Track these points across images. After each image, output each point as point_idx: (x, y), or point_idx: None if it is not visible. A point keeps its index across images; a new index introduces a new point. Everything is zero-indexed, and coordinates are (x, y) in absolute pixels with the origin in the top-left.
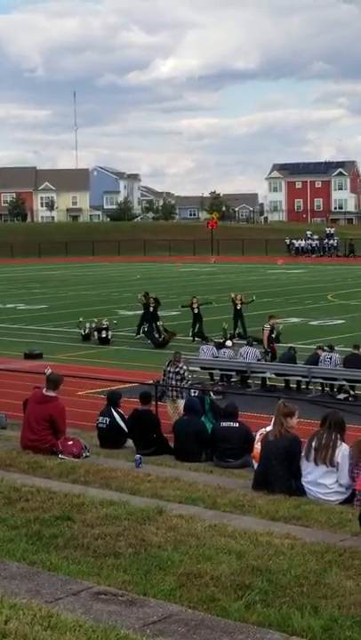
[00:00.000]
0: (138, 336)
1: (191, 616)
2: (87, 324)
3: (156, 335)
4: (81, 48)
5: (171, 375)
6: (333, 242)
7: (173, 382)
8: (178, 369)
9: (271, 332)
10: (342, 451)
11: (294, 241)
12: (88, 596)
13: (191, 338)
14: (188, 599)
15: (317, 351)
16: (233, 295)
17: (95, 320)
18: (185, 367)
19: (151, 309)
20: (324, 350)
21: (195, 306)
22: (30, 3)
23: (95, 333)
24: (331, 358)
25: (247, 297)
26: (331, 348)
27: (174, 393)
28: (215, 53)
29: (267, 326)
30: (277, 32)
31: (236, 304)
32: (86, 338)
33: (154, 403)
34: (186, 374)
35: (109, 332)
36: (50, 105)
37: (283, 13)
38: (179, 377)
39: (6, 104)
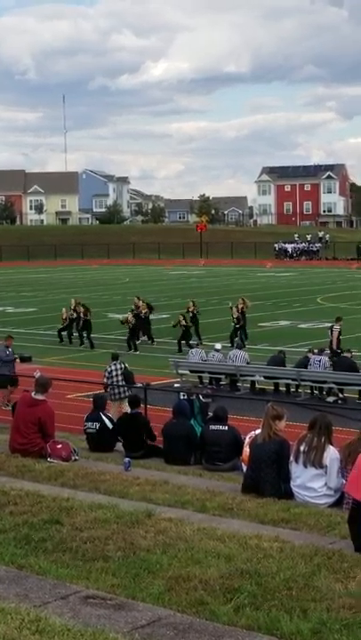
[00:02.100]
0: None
1: (180, 620)
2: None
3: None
4: (72, 51)
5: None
6: (318, 245)
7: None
8: (107, 367)
9: (340, 333)
10: (330, 454)
11: (286, 244)
12: (77, 599)
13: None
14: (176, 603)
15: (308, 354)
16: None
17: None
18: (110, 367)
19: (143, 316)
20: (314, 353)
21: (191, 309)
22: (22, 5)
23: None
24: (320, 361)
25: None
26: (321, 352)
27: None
28: (206, 57)
29: (336, 327)
30: (268, 36)
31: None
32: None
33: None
34: (106, 373)
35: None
36: (41, 108)
37: (273, 17)
38: (106, 374)
39: None
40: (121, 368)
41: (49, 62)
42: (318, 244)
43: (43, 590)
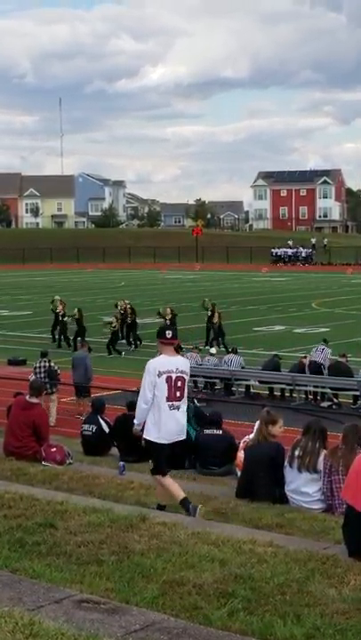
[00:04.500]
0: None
1: (174, 624)
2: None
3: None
4: (70, 55)
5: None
6: (308, 250)
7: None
8: (35, 363)
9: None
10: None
11: (283, 250)
12: (70, 603)
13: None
14: (170, 607)
15: (302, 360)
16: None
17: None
18: (37, 364)
19: (129, 320)
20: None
21: (168, 315)
22: (19, 9)
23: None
24: (323, 350)
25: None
26: (325, 342)
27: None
28: (203, 61)
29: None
30: (266, 40)
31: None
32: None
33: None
34: (33, 369)
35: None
36: (38, 111)
37: (271, 22)
38: (36, 370)
39: None
40: (45, 366)
41: (46, 66)
42: (309, 250)
43: (36, 594)
